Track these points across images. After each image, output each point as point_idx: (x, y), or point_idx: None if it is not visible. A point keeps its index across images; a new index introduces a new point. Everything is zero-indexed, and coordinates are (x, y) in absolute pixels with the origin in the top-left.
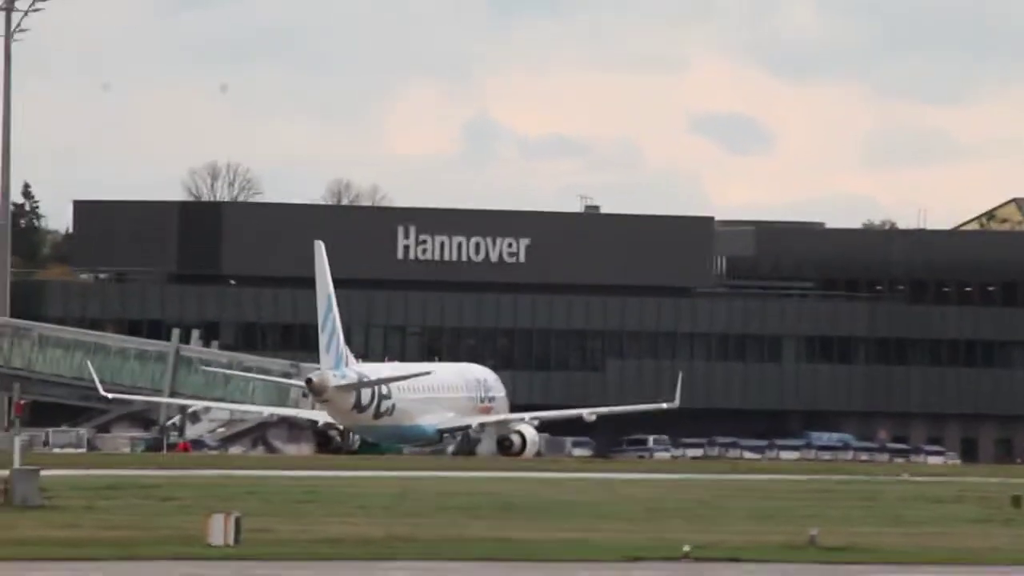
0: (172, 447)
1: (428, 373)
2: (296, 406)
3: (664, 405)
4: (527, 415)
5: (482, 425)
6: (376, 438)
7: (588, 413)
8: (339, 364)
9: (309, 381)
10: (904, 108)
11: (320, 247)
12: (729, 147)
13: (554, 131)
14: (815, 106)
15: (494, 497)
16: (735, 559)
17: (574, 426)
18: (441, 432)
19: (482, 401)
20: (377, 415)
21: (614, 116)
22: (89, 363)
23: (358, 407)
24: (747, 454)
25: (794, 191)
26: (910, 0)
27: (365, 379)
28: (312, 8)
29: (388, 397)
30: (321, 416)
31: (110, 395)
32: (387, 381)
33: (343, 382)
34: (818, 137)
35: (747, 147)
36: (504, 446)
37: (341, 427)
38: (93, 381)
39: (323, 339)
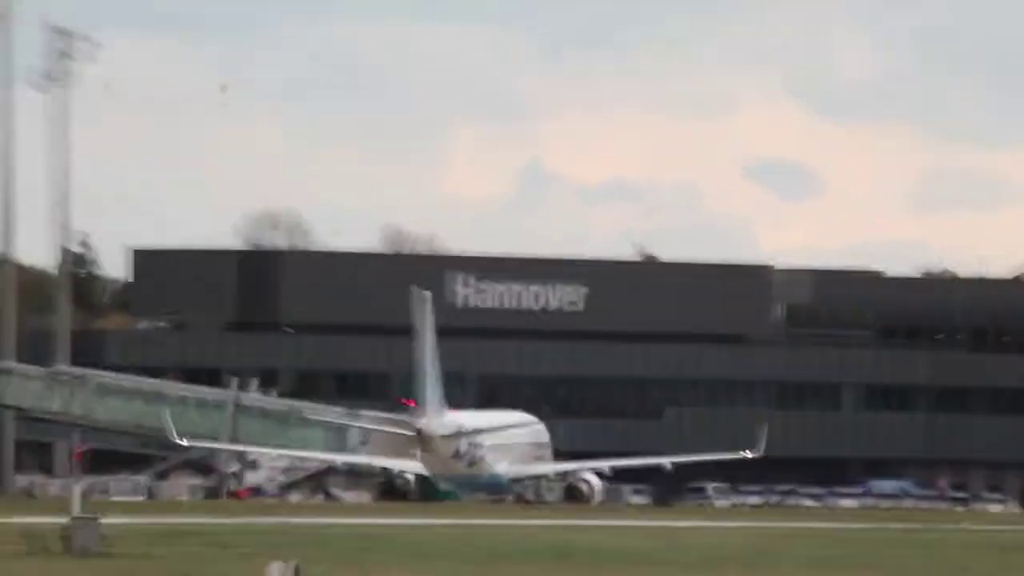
0: (233, 494)
1: (520, 425)
2: (353, 453)
3: (748, 454)
4: (605, 464)
5: (557, 474)
6: (459, 486)
7: (668, 462)
8: (440, 413)
9: (419, 431)
10: (958, 151)
11: (424, 296)
12: (782, 192)
13: (609, 175)
14: (867, 149)
15: (552, 546)
16: None
17: (632, 474)
18: (512, 481)
19: (537, 449)
20: (470, 464)
21: (668, 161)
22: (167, 412)
23: (457, 455)
24: (806, 502)
25: (847, 236)
26: (964, 40)
27: (463, 429)
28: (368, 48)
29: (480, 446)
30: (404, 465)
31: (186, 442)
32: (483, 432)
33: (448, 431)
34: (870, 181)
35: (799, 191)
36: (573, 494)
37: (413, 475)
38: (154, 429)
39: (428, 387)
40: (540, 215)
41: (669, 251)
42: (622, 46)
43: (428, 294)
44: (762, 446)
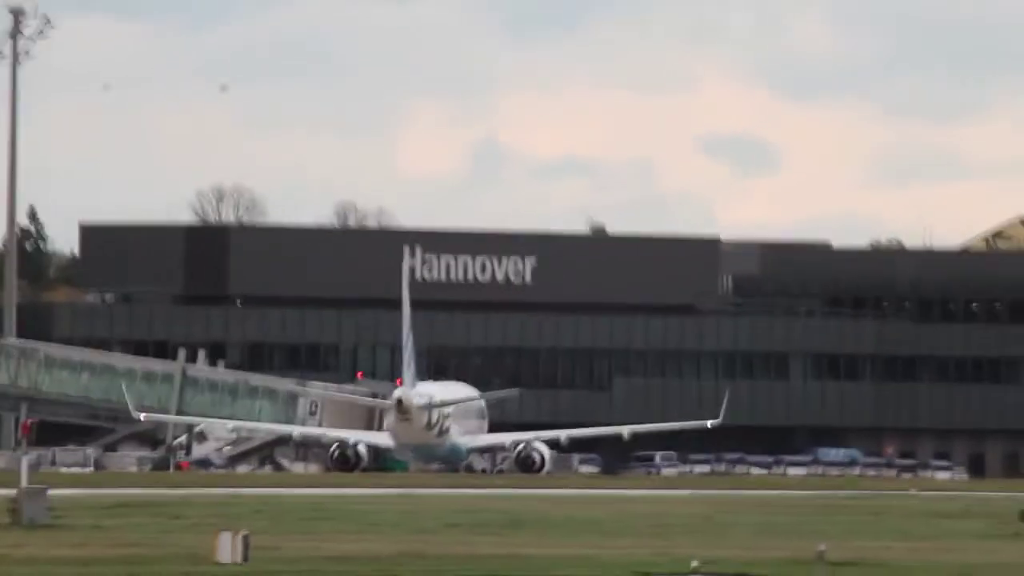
0: (177, 466)
1: (476, 399)
2: (303, 424)
3: (708, 423)
4: (562, 433)
5: (516, 443)
6: (421, 457)
7: (628, 430)
8: (415, 384)
9: (398, 400)
10: (910, 127)
11: (405, 271)
12: (737, 167)
13: (563, 152)
14: (822, 125)
15: (502, 514)
16: (743, 574)
17: (581, 443)
18: (469, 451)
19: (481, 419)
20: (439, 434)
21: (624, 137)
22: (123, 386)
23: (429, 425)
24: (754, 470)
25: (801, 210)
26: (916, 18)
27: (433, 400)
28: (320, 26)
29: (447, 417)
30: (357, 435)
31: (142, 415)
32: (452, 403)
33: (423, 402)
34: (825, 156)
35: (755, 167)
36: (526, 464)
37: (365, 446)
38: (102, 401)
39: (405, 359)
40: (494, 191)
41: (623, 226)
42: (578, 22)
43: (407, 268)
44: (723, 415)
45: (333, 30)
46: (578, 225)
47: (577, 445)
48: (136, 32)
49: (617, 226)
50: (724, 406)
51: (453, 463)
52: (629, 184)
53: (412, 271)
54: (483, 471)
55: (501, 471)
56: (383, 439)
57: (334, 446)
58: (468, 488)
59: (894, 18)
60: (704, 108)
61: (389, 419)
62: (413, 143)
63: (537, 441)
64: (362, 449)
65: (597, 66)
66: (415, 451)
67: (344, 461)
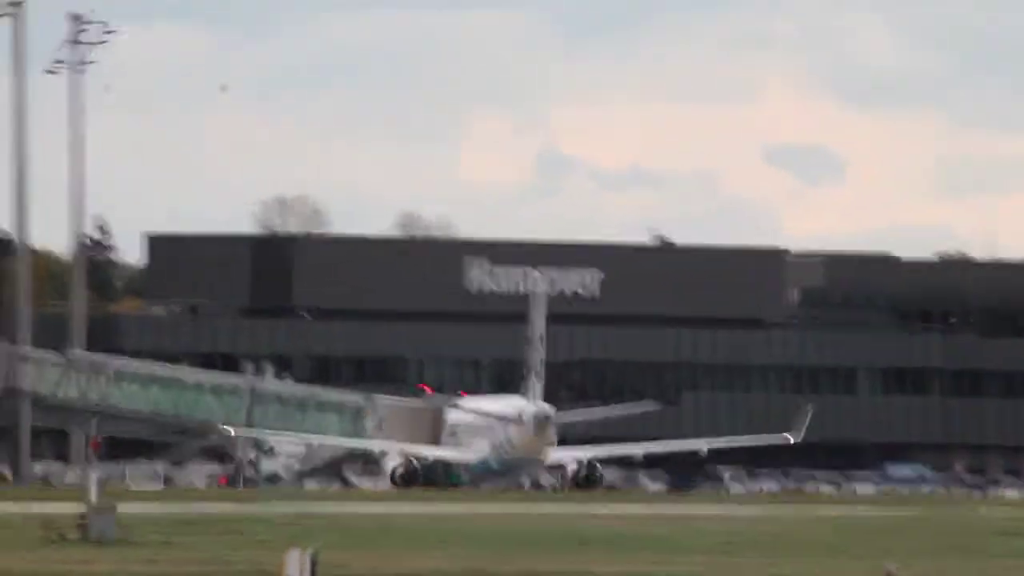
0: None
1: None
2: (371, 438)
3: (789, 438)
4: (638, 448)
5: (588, 461)
6: (517, 471)
7: (704, 445)
8: (536, 398)
9: (519, 414)
10: (977, 137)
11: (538, 285)
12: (802, 177)
13: (627, 163)
14: (888, 135)
15: (569, 531)
16: None
17: (647, 460)
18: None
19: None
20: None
21: (688, 147)
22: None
23: (545, 441)
24: (823, 487)
25: (867, 221)
26: (982, 29)
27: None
28: (383, 35)
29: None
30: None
31: (233, 431)
32: (578, 420)
33: (545, 415)
34: (891, 166)
35: (820, 177)
36: (590, 480)
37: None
38: (171, 416)
39: (532, 372)
40: (557, 201)
41: (687, 237)
42: (644, 31)
43: (538, 277)
44: (803, 430)
45: (397, 39)
46: (641, 236)
47: (645, 462)
48: (199, 40)
49: (681, 238)
50: (806, 420)
51: (519, 479)
52: (693, 195)
53: (475, 283)
54: (552, 488)
55: (566, 488)
56: (449, 453)
57: (398, 461)
58: (534, 506)
59: (961, 29)
60: (769, 118)
61: (505, 432)
62: (476, 153)
63: (601, 457)
64: (427, 462)
65: (661, 76)
66: (510, 466)
67: (409, 475)
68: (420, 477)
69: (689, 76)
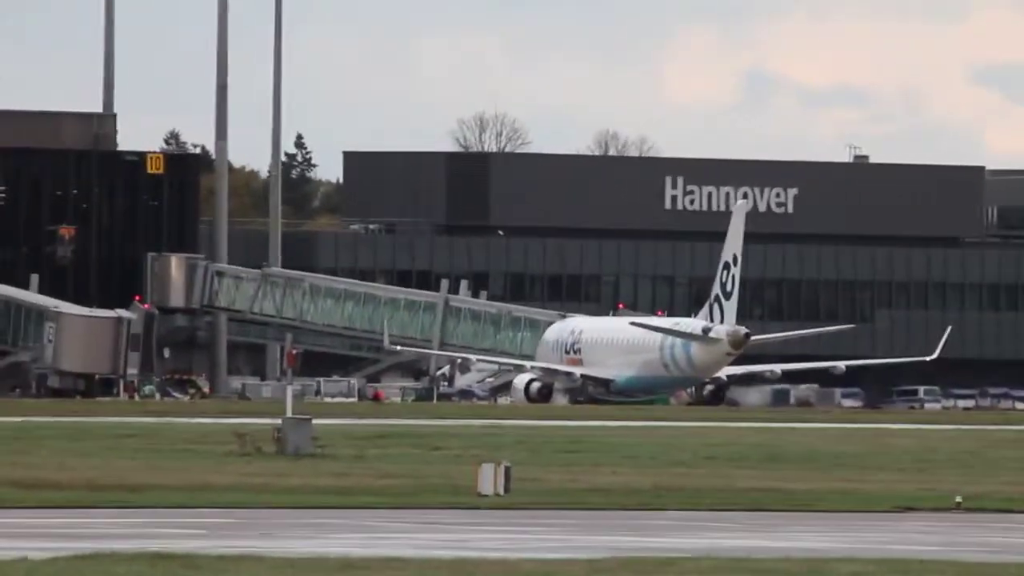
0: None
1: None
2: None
3: (926, 358)
4: (777, 366)
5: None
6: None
7: (841, 365)
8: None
9: (735, 333)
10: None
11: (741, 207)
12: (1008, 96)
13: (832, 81)
14: None
15: (761, 447)
16: (1008, 510)
17: (844, 376)
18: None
19: None
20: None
21: (895, 65)
22: (384, 318)
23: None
24: (1020, 405)
25: None
26: None
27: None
28: None
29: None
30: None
31: (398, 347)
32: (774, 339)
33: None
34: None
35: None
36: (719, 397)
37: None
38: (366, 332)
39: (730, 295)
40: (762, 120)
41: (889, 156)
42: None
43: (744, 203)
44: (939, 349)
45: None
46: (842, 155)
47: (839, 379)
48: None
49: (883, 156)
50: (943, 341)
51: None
52: (898, 114)
53: (673, 200)
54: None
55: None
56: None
57: (532, 376)
58: (724, 422)
59: None
60: (976, 36)
61: (684, 349)
62: (680, 71)
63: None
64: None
65: None
66: (664, 383)
67: (546, 391)
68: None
69: None
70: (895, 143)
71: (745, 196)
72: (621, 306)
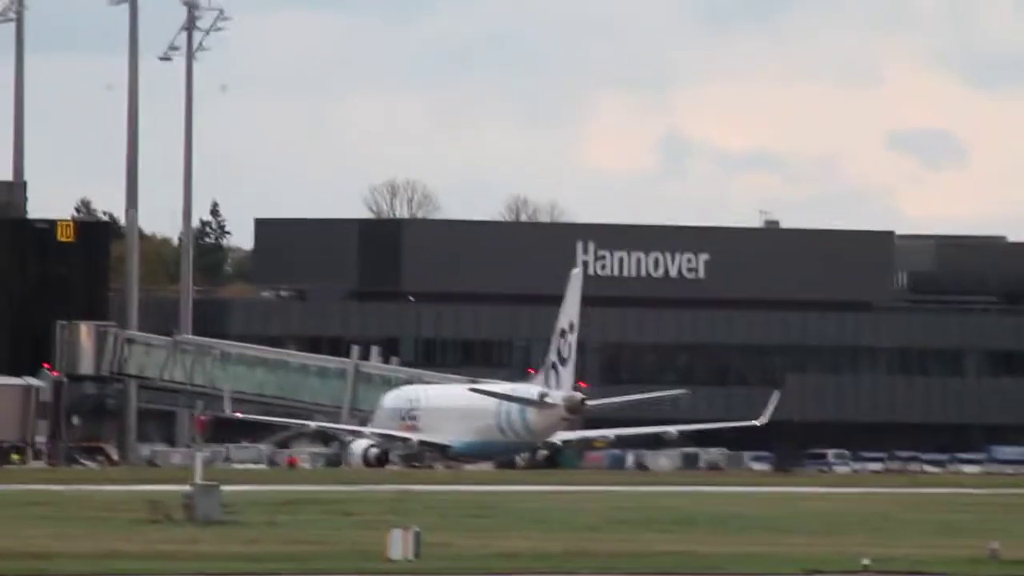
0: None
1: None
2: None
3: (756, 422)
4: (612, 432)
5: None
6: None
7: (672, 430)
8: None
9: (571, 399)
10: None
11: (576, 275)
12: (924, 161)
13: (750, 145)
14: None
15: (672, 511)
16: (915, 572)
17: (753, 440)
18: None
19: None
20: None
21: (812, 131)
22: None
23: (564, 425)
24: (928, 468)
25: (983, 205)
26: None
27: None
28: (500, 19)
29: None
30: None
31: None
32: (611, 405)
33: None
34: (1015, 150)
35: (942, 161)
36: (554, 462)
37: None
38: (276, 398)
39: (566, 361)
40: (678, 186)
41: (804, 221)
42: (765, 15)
43: (579, 272)
44: (768, 414)
45: (514, 22)
46: (753, 220)
47: (748, 442)
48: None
49: (799, 221)
50: (770, 407)
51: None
52: (814, 179)
53: (585, 266)
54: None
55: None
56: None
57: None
58: (633, 486)
59: None
60: (892, 101)
61: (520, 414)
62: (595, 136)
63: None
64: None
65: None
66: (502, 448)
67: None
68: (391, 459)
69: (816, 59)
70: (811, 208)
71: (656, 261)
72: (532, 371)
